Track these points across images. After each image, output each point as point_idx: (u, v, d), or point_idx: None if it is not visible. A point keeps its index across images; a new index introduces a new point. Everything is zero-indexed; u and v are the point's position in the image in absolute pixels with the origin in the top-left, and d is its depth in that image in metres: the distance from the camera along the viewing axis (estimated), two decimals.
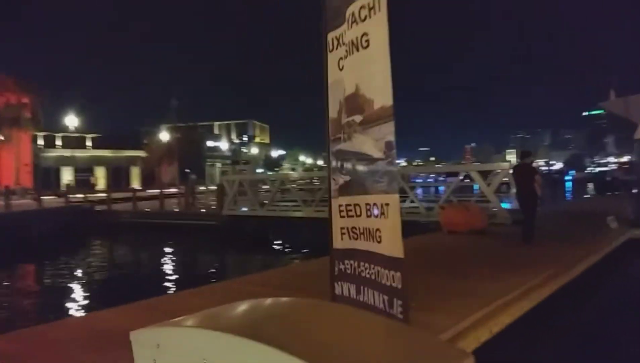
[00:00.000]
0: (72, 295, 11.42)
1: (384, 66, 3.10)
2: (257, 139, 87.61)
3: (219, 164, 70.40)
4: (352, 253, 3.50)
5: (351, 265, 3.52)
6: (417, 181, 26.83)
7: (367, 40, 3.28)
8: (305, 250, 15.67)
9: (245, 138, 78.96)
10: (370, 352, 1.68)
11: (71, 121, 38.90)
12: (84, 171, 49.86)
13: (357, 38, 3.41)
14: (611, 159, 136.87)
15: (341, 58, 3.65)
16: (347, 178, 3.58)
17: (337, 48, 3.76)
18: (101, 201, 27.54)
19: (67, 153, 50.26)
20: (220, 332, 1.80)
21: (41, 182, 43.70)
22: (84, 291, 11.99)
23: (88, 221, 23.19)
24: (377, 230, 3.20)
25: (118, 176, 56.19)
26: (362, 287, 3.34)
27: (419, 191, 23.05)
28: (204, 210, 22.27)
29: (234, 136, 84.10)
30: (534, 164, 10.67)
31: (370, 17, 3.25)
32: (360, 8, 3.31)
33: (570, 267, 7.52)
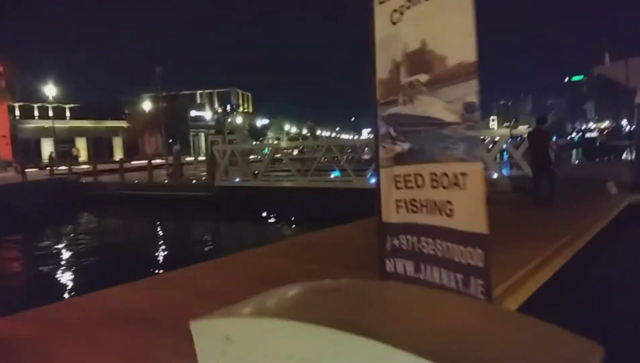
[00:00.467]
0: (68, 273, 11.14)
1: (463, 16, 2.76)
2: (240, 109, 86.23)
3: (202, 134, 69.65)
4: (411, 228, 3.25)
5: (408, 240, 3.28)
6: None
7: None
8: (303, 220, 15.50)
9: (228, 107, 77.55)
10: (490, 343, 1.48)
11: (50, 90, 37.47)
12: (64, 142, 48.56)
13: None
14: (591, 125, 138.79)
15: (396, 10, 3.28)
16: (406, 145, 3.28)
17: (384, 2, 3.39)
18: (86, 173, 26.90)
19: (46, 123, 48.73)
20: (313, 324, 1.57)
21: (21, 154, 42.49)
22: (79, 268, 11.67)
23: (74, 193, 22.62)
24: (448, 202, 2.95)
25: (100, 147, 55.01)
26: (422, 264, 3.12)
27: None
28: (194, 181, 21.86)
29: (217, 105, 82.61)
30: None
31: None
32: None
33: (582, 234, 7.49)
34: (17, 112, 53.05)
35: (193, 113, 67.93)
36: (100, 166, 27.13)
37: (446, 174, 2.96)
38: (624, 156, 13.47)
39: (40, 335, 4.11)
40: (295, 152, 27.39)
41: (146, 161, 36.78)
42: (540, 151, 9.82)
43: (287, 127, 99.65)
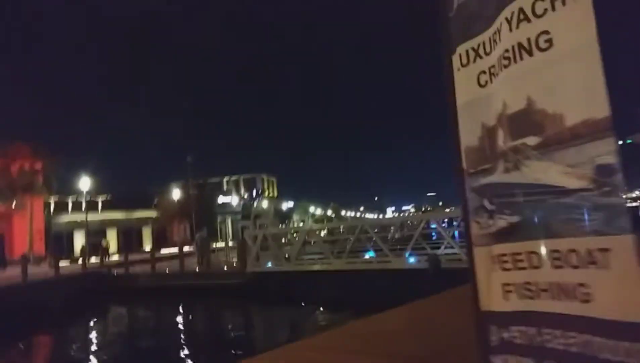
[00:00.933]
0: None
1: (585, 66, 2.49)
2: (266, 193, 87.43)
3: (229, 220, 70.16)
4: (527, 317, 2.78)
5: (523, 332, 2.79)
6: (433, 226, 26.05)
7: (549, 40, 2.66)
8: (345, 306, 14.78)
9: (254, 193, 78.77)
10: None
11: (84, 184, 38.73)
12: (96, 234, 49.28)
13: (527, 40, 2.80)
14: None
15: (484, 72, 3.04)
16: (512, 218, 2.90)
17: (473, 61, 3.15)
18: (118, 265, 26.86)
19: (79, 217, 49.95)
20: None
21: (53, 247, 43.13)
22: None
23: (106, 286, 22.43)
24: (580, 285, 2.52)
25: (129, 237, 55.62)
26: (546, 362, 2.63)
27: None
28: (225, 268, 21.47)
29: (242, 191, 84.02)
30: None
31: (554, 9, 2.69)
32: (534, 3, 2.73)
33: None
34: (52, 207, 54.74)
35: (220, 200, 68.96)
36: (131, 257, 27.10)
37: (575, 251, 2.55)
38: None
39: None
40: (323, 233, 27.03)
41: (176, 249, 36.96)
42: None
43: (311, 209, 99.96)
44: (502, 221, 3.09)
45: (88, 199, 43.95)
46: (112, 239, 52.57)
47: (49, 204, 52.34)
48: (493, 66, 3.02)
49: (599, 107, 2.57)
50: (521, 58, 2.90)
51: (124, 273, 23.85)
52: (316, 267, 16.83)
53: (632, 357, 2.37)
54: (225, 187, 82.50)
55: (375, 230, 22.42)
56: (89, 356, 12.25)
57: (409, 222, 28.07)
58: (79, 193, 47.22)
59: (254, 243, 18.69)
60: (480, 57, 3.07)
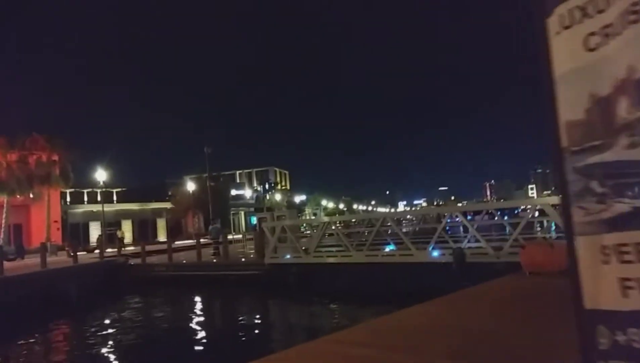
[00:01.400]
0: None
1: None
2: (279, 186, 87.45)
3: (242, 212, 70.34)
4: None
5: None
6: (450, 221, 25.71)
7: None
8: (367, 300, 14.59)
9: (267, 185, 78.79)
10: None
11: (100, 175, 38.97)
12: (111, 225, 49.66)
13: None
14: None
15: (594, 33, 2.73)
16: (631, 203, 2.58)
17: (579, 22, 2.84)
18: (134, 255, 26.96)
19: (94, 208, 50.41)
20: None
21: (70, 238, 43.55)
22: (131, 356, 11.10)
23: (123, 275, 22.54)
24: None
25: (144, 228, 56.04)
26: None
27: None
28: (243, 259, 21.41)
29: (255, 184, 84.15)
30: None
31: None
32: None
33: None
34: (68, 198, 55.26)
35: (233, 192, 69.11)
36: (147, 248, 27.20)
37: None
38: None
39: None
40: (340, 226, 26.83)
41: (190, 241, 37.07)
42: None
43: (324, 202, 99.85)
44: (622, 206, 2.76)
45: (103, 190, 44.27)
46: (127, 230, 52.94)
47: (65, 195, 52.88)
48: (609, 25, 2.67)
49: None
50: None
51: (141, 263, 23.91)
52: (335, 259, 16.64)
53: None
54: (238, 180, 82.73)
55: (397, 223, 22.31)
56: (106, 345, 12.22)
57: (430, 215, 27.91)
58: (94, 184, 47.60)
59: (272, 235, 18.55)
60: (590, 16, 2.71)
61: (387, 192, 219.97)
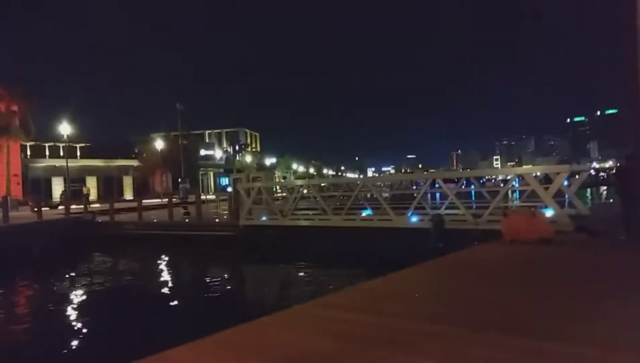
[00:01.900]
0: (97, 324, 10.13)
1: None
2: (249, 148, 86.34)
3: (211, 173, 69.31)
4: None
5: None
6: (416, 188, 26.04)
7: None
8: (347, 263, 14.56)
9: (237, 146, 77.64)
10: None
11: (64, 129, 37.19)
12: (74, 181, 48.02)
13: None
14: (594, 164, 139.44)
15: None
16: None
17: None
18: (101, 212, 26.16)
19: (58, 162, 48.51)
20: None
21: (31, 193, 41.92)
22: (97, 315, 10.74)
23: (91, 233, 21.85)
24: None
25: (110, 186, 54.53)
26: None
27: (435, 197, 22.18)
28: (217, 220, 21.04)
29: (225, 145, 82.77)
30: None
31: None
32: None
33: None
34: (29, 152, 52.93)
35: (202, 152, 67.80)
36: (115, 205, 26.40)
37: None
38: None
39: None
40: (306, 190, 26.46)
41: (158, 200, 36.26)
42: (632, 191, 9.96)
43: (294, 165, 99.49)
44: None
45: (67, 144, 42.46)
46: (91, 187, 51.39)
47: (25, 148, 50.59)
48: None
49: None
50: None
51: (110, 221, 23.22)
52: (313, 223, 16.50)
53: None
54: (207, 139, 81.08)
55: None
56: (71, 304, 11.79)
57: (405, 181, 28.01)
58: (57, 138, 45.64)
59: (248, 196, 18.22)
60: None
61: (357, 158, 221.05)
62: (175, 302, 11.81)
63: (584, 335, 4.23)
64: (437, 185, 16.54)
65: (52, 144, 55.47)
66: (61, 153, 53.40)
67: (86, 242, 20.73)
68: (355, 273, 12.21)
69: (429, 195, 19.40)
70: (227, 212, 21.77)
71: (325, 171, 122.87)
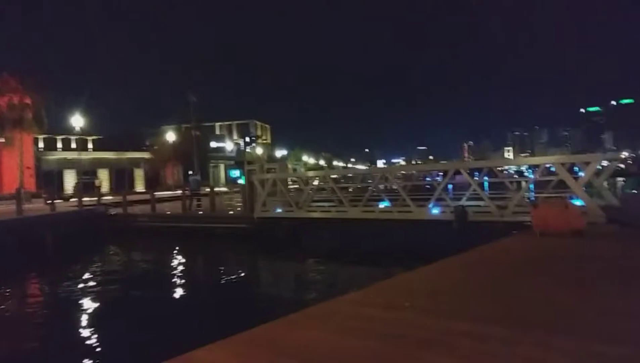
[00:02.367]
0: (113, 322, 9.83)
1: None
2: (260, 140, 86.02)
3: (222, 165, 69.17)
4: None
5: None
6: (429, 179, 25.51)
7: None
8: (366, 257, 14.13)
9: (248, 139, 77.30)
10: None
11: (77, 121, 37.10)
12: (86, 173, 48.15)
13: None
14: (624, 153, 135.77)
15: None
16: None
17: None
18: (114, 204, 26.01)
19: (70, 155, 48.61)
20: None
21: (44, 185, 42.04)
22: (112, 307, 10.48)
23: (104, 225, 21.70)
24: None
25: (121, 178, 54.59)
26: None
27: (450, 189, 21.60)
28: (231, 212, 20.75)
29: (236, 137, 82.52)
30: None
31: None
32: None
33: None
34: (41, 144, 53.15)
35: (213, 144, 67.64)
36: (127, 197, 26.22)
37: None
38: None
39: None
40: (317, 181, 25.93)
41: (169, 192, 36.12)
42: None
43: (304, 158, 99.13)
44: None
45: (80, 137, 42.46)
46: (103, 179, 51.54)
47: (37, 141, 50.78)
48: None
49: None
50: None
51: (123, 213, 23.04)
52: (329, 215, 16.11)
53: None
54: (218, 131, 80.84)
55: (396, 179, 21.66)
56: (86, 298, 11.52)
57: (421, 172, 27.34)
58: (69, 131, 45.69)
59: (262, 188, 17.87)
60: None
61: (367, 150, 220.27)
62: (193, 298, 11.52)
63: (630, 334, 3.84)
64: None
65: (64, 136, 55.69)
66: (73, 145, 53.58)
67: (99, 234, 20.59)
68: (376, 267, 11.85)
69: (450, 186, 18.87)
70: (240, 204, 21.46)
71: (335, 163, 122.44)
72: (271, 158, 79.73)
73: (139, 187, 55.29)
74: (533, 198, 13.93)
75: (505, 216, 12.24)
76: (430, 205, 13.74)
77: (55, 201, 24.40)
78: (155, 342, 7.14)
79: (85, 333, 8.63)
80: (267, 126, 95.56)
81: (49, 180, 46.51)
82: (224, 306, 10.03)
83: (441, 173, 25.28)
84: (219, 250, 17.69)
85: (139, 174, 57.80)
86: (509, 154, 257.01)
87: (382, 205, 16.60)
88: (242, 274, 14.26)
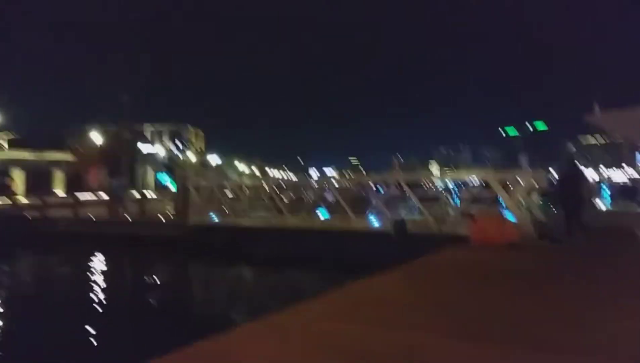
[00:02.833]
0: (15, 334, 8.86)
1: None
2: (192, 146, 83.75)
3: (151, 169, 66.40)
4: None
5: None
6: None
7: None
8: (307, 265, 13.86)
9: (179, 144, 75.00)
10: None
11: None
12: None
13: None
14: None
15: None
16: None
17: None
18: (30, 207, 24.04)
19: None
20: None
21: None
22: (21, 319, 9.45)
23: (19, 229, 19.85)
24: None
25: (38, 180, 50.65)
26: None
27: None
28: (163, 219, 19.78)
29: (166, 141, 79.77)
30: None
31: None
32: None
33: None
34: None
35: (144, 149, 64.86)
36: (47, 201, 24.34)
37: None
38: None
39: None
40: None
41: (93, 196, 34.07)
42: (575, 193, 10.43)
43: (238, 165, 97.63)
44: None
45: None
46: (19, 181, 47.69)
47: None
48: None
49: None
50: None
51: (41, 217, 21.29)
52: (269, 223, 15.76)
53: None
54: (147, 135, 77.67)
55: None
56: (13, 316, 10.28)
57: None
58: None
59: (198, 194, 17.22)
60: None
61: (299, 158, 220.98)
62: (113, 310, 10.51)
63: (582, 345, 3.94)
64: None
65: None
66: None
67: (14, 239, 18.76)
68: (318, 277, 11.66)
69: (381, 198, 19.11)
70: (172, 211, 20.54)
71: (268, 170, 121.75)
72: (204, 164, 77.75)
73: (59, 190, 51.62)
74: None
75: (444, 229, 12.54)
76: (370, 216, 13.82)
77: None
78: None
79: None
80: (200, 131, 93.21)
81: None
82: (141, 317, 9.28)
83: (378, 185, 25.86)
84: (149, 259, 16.68)
85: (59, 177, 54.01)
86: (432, 168, 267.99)
87: (321, 214, 16.51)
88: (167, 284, 13.46)
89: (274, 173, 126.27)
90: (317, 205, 17.27)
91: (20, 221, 20.86)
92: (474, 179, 16.62)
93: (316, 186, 18.22)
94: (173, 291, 12.38)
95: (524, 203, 13.27)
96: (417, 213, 15.72)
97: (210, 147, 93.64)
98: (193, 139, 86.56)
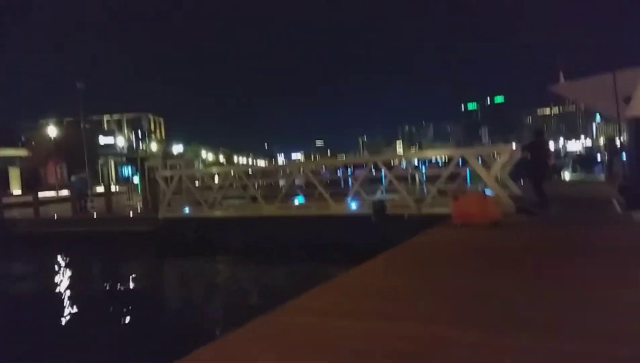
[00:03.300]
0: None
1: None
2: (153, 135, 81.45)
3: (112, 162, 64.26)
4: None
5: None
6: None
7: None
8: (287, 256, 13.51)
9: (140, 133, 72.72)
10: None
11: None
12: None
13: None
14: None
15: None
16: None
17: None
18: None
19: None
20: None
21: None
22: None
23: None
24: None
25: None
26: None
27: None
28: (131, 214, 18.96)
29: (127, 131, 77.22)
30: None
31: None
32: None
33: None
34: None
35: (102, 140, 62.53)
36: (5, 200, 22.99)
37: None
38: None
39: None
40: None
41: (52, 193, 32.56)
42: (542, 162, 11.13)
43: (203, 153, 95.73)
44: None
45: None
46: None
47: None
48: None
49: None
50: None
51: None
52: (242, 213, 15.30)
53: None
54: (106, 126, 74.94)
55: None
56: None
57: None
58: None
59: (168, 186, 16.53)
60: None
61: (266, 145, 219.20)
62: (79, 315, 9.89)
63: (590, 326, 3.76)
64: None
65: None
66: None
67: None
68: (301, 267, 11.35)
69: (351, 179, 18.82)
70: (137, 204, 19.75)
71: (235, 158, 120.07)
72: (167, 154, 75.78)
73: (15, 188, 49.28)
74: (425, 192, 14.37)
75: (423, 209, 12.39)
76: (349, 200, 13.56)
77: None
78: None
79: None
80: (160, 119, 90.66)
81: None
82: (110, 323, 8.73)
83: (350, 167, 25.62)
84: (117, 257, 15.96)
85: (14, 174, 51.53)
86: (399, 147, 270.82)
87: (297, 201, 16.15)
88: (139, 283, 12.86)
89: (240, 160, 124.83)
90: (292, 191, 16.91)
91: None
92: (439, 157, 16.62)
93: (287, 171, 17.78)
94: (147, 291, 11.82)
95: (499, 178, 13.30)
96: (390, 193, 15.62)
97: (173, 136, 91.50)
98: (154, 128, 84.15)
